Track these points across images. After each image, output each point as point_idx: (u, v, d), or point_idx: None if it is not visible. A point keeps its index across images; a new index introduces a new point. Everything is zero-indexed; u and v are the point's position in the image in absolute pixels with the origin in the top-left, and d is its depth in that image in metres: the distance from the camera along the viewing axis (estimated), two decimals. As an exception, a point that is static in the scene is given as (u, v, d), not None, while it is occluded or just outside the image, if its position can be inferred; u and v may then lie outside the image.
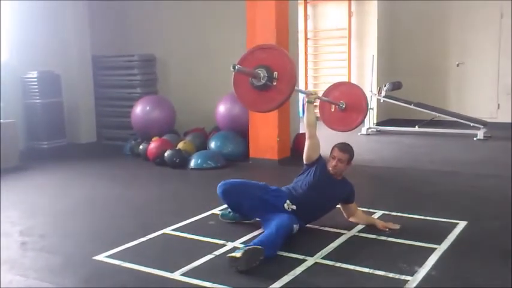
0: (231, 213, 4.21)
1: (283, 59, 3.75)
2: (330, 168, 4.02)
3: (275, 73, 3.68)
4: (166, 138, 7.37)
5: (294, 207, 3.88)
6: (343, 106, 4.80)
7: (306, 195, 3.94)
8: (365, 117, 4.97)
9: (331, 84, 5.06)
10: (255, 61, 3.77)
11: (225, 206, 4.35)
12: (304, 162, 4.13)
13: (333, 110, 4.89)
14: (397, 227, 4.04)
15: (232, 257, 3.27)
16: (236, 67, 3.56)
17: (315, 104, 4.24)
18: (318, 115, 4.65)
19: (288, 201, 3.90)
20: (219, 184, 4.11)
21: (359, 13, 10.53)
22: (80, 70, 8.63)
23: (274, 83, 3.69)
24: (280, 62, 3.73)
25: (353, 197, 4.17)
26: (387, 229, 4.01)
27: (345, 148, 4.07)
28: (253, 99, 3.87)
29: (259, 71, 3.69)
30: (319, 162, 4.08)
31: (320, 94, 4.78)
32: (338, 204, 4.19)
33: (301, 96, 7.81)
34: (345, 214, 4.21)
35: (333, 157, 4.03)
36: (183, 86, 8.50)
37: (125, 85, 8.64)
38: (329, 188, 4.03)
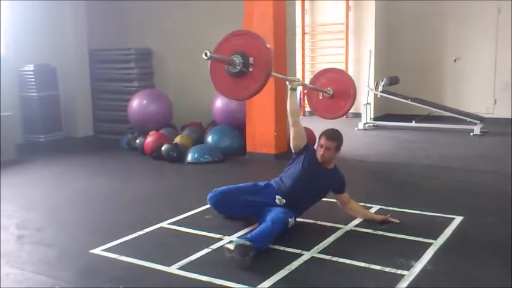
0: None
1: (258, 45, 3.63)
2: (319, 157, 3.96)
3: (251, 59, 3.59)
4: (163, 132, 7.36)
5: (284, 201, 3.87)
6: (331, 93, 4.70)
7: (295, 186, 3.90)
8: (353, 103, 4.81)
9: (319, 70, 4.99)
10: (230, 48, 3.67)
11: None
12: (293, 151, 4.08)
13: (320, 97, 4.79)
14: (397, 221, 4.05)
15: (227, 248, 3.29)
16: (208, 54, 3.44)
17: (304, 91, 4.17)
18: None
19: (278, 196, 3.88)
20: (209, 196, 4.06)
21: (356, 8, 10.52)
22: (77, 63, 8.61)
23: (250, 69, 3.59)
24: (256, 47, 3.62)
25: (344, 187, 4.12)
26: (387, 221, 4.02)
27: (333, 135, 3.99)
28: (230, 87, 3.77)
29: (234, 58, 3.60)
30: (308, 150, 4.03)
31: (307, 81, 4.71)
32: (328, 193, 4.13)
33: (298, 90, 7.80)
34: (339, 205, 4.19)
35: (320, 145, 3.96)
36: (180, 80, 8.49)
37: (122, 79, 8.63)
38: (318, 178, 3.97)
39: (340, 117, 5.00)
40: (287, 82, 4.11)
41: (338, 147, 4.00)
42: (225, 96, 3.81)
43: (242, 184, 4.12)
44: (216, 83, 3.82)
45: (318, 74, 4.92)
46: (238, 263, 3.22)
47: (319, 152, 3.95)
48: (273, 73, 4.22)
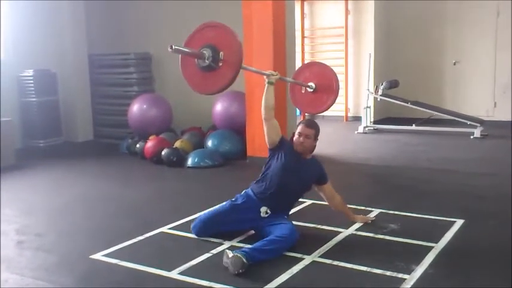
0: None
1: (229, 38, 3.52)
2: (298, 147, 3.88)
3: (221, 53, 3.48)
4: (163, 136, 7.36)
5: (269, 212, 3.80)
6: (313, 87, 4.60)
7: (280, 182, 3.83)
8: (335, 98, 4.67)
9: (301, 65, 4.90)
10: (203, 40, 3.56)
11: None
12: (269, 147, 3.98)
13: (303, 91, 4.69)
14: (373, 218, 4.17)
15: (226, 253, 3.30)
16: (173, 47, 3.35)
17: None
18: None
19: (262, 209, 3.81)
20: (192, 226, 3.97)
21: (356, 11, 10.53)
22: (76, 68, 8.61)
23: (220, 64, 3.49)
24: (227, 41, 3.50)
25: (325, 177, 4.06)
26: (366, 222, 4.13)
27: (311, 124, 3.94)
28: (199, 81, 3.65)
29: (203, 51, 3.49)
30: (284, 144, 3.95)
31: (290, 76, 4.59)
32: (311, 186, 4.06)
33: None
34: (324, 198, 4.14)
35: (299, 134, 3.88)
36: (179, 85, 8.35)
37: (122, 83, 8.63)
38: (301, 170, 3.90)
39: (323, 111, 4.91)
40: (265, 76, 4.04)
41: (316, 135, 3.93)
42: (195, 90, 3.70)
43: (219, 206, 4.02)
44: (186, 75, 3.71)
45: (301, 68, 4.85)
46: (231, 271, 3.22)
47: (299, 140, 3.87)
48: (249, 67, 4.14)
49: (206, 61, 3.50)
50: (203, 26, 3.66)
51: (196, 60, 3.57)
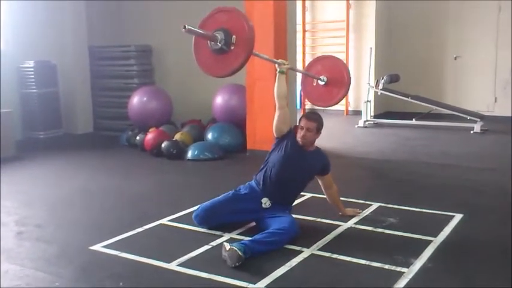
0: None
1: (241, 22, 3.51)
2: (299, 140, 3.89)
3: (233, 37, 3.48)
4: (163, 129, 7.36)
5: (270, 204, 3.83)
6: (325, 80, 4.60)
7: (280, 174, 3.85)
8: (346, 93, 4.69)
9: (314, 58, 4.90)
10: (215, 24, 3.58)
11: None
12: (275, 135, 4.00)
13: (314, 84, 4.69)
14: (359, 211, 4.23)
15: (224, 245, 3.31)
16: (187, 27, 3.35)
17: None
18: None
19: (263, 200, 3.84)
20: (193, 215, 3.98)
21: (357, 5, 10.50)
22: (77, 60, 8.59)
23: (232, 48, 3.49)
24: (239, 25, 3.50)
25: (328, 168, 4.08)
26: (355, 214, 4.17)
27: (313, 117, 3.95)
28: (210, 63, 3.66)
29: (216, 34, 3.50)
30: (290, 135, 3.96)
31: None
32: (313, 177, 4.08)
33: (299, 87, 7.78)
34: (321, 186, 4.17)
35: (300, 127, 3.89)
36: (180, 77, 8.48)
37: (122, 75, 8.62)
38: (302, 162, 3.91)
39: (333, 105, 4.91)
40: (276, 65, 4.06)
41: (318, 129, 3.93)
42: (206, 72, 3.70)
43: (222, 196, 4.01)
44: (198, 57, 3.72)
45: (314, 61, 4.84)
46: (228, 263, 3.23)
47: (300, 134, 3.88)
48: (261, 54, 4.16)
49: (218, 44, 3.51)
50: (217, 10, 3.68)
51: (208, 42, 3.58)
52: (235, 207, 3.87)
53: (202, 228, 3.92)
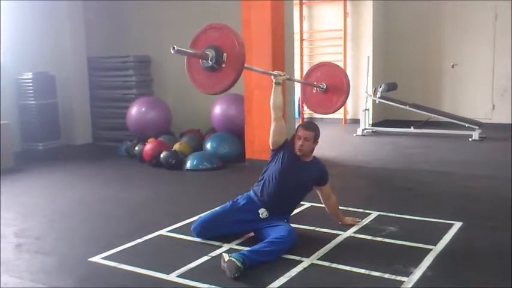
0: None
1: (232, 40, 3.51)
2: (297, 150, 3.89)
3: (224, 55, 3.49)
4: (162, 139, 7.37)
5: (267, 214, 3.83)
6: (324, 88, 4.62)
7: (278, 186, 3.85)
8: (345, 100, 4.71)
9: (313, 65, 4.94)
10: (207, 40, 3.58)
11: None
12: (271, 147, 4.00)
13: (314, 91, 4.71)
14: (359, 220, 4.22)
15: (222, 256, 3.31)
16: (176, 48, 3.33)
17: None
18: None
19: (261, 210, 3.84)
20: (192, 228, 3.97)
21: (354, 14, 10.55)
22: (75, 71, 8.61)
23: (223, 66, 3.50)
24: (230, 43, 3.50)
25: (326, 178, 4.08)
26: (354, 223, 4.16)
27: (310, 126, 3.96)
28: (203, 80, 3.66)
29: (207, 52, 3.50)
30: (286, 146, 3.96)
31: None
32: (312, 187, 4.07)
33: (297, 97, 7.81)
34: (320, 197, 4.16)
35: (298, 137, 3.89)
36: (178, 87, 8.49)
37: (121, 86, 8.63)
38: (299, 173, 3.91)
39: (332, 112, 4.93)
40: (272, 77, 4.07)
41: (316, 138, 3.94)
42: (199, 89, 3.72)
43: (220, 207, 4.02)
44: (191, 75, 3.72)
45: (314, 67, 4.86)
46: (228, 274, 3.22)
47: (298, 143, 3.88)
48: (255, 67, 4.15)
49: (209, 62, 3.52)
50: (208, 27, 3.68)
51: (200, 60, 3.59)
52: (233, 218, 3.86)
53: (201, 239, 3.92)
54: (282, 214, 3.92)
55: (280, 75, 4.03)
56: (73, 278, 3.36)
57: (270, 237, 3.59)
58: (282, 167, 3.88)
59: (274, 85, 3.99)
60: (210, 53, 3.49)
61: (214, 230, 3.89)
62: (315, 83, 4.68)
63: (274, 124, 3.96)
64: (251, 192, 4.00)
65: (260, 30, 6.40)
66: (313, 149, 3.98)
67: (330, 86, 4.62)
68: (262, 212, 3.84)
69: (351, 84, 4.75)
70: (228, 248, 3.72)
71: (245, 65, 3.58)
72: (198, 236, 3.92)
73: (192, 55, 3.58)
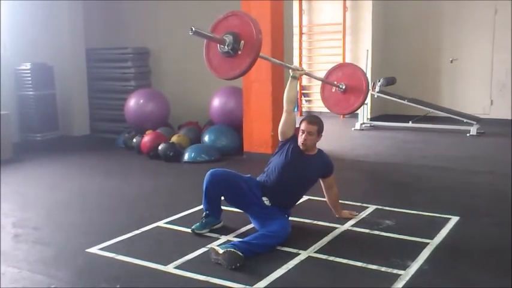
0: (202, 222, 3.94)
1: (250, 28, 3.55)
2: (300, 144, 3.91)
3: (242, 42, 3.55)
4: (160, 131, 7.37)
5: (270, 203, 3.85)
6: (343, 88, 4.65)
7: (279, 179, 3.87)
8: (364, 101, 4.75)
9: (335, 64, 4.97)
10: (227, 27, 3.64)
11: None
12: (279, 138, 4.03)
13: (333, 90, 4.74)
14: (356, 214, 4.22)
15: (214, 249, 3.32)
16: (193, 29, 3.40)
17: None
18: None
19: (264, 198, 3.86)
20: (207, 174, 3.89)
21: (354, 8, 10.54)
22: (74, 62, 8.59)
23: (239, 52, 3.55)
24: (248, 31, 3.56)
25: (331, 171, 4.09)
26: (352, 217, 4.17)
27: (313, 120, 3.97)
28: (218, 64, 3.72)
29: (225, 37, 3.56)
30: (293, 140, 3.98)
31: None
32: (317, 180, 4.09)
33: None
34: (322, 187, 4.16)
35: (301, 131, 3.91)
36: (176, 80, 8.48)
37: (119, 78, 8.61)
38: (303, 167, 3.92)
39: (349, 113, 4.94)
40: (290, 70, 4.10)
41: (319, 132, 3.95)
42: (213, 73, 3.76)
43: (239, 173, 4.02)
44: (207, 58, 3.77)
45: (335, 67, 4.85)
46: (225, 266, 3.21)
47: (301, 138, 3.90)
48: (273, 59, 4.17)
49: (226, 47, 3.57)
50: (230, 13, 3.74)
51: (218, 45, 3.64)
52: (244, 185, 3.83)
53: (208, 190, 3.85)
54: (284, 207, 3.93)
55: (299, 70, 4.09)
56: (71, 268, 3.37)
57: (263, 229, 3.62)
58: (285, 160, 3.91)
59: (290, 78, 4.04)
60: (228, 39, 3.55)
61: (224, 187, 3.83)
62: (335, 82, 4.70)
63: (285, 116, 4.00)
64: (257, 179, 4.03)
65: (260, 23, 6.32)
66: (316, 143, 3.99)
67: (349, 87, 4.66)
68: (265, 200, 3.87)
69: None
70: (225, 239, 3.73)
71: (261, 54, 3.65)
72: (207, 186, 3.82)
73: (209, 38, 3.63)
